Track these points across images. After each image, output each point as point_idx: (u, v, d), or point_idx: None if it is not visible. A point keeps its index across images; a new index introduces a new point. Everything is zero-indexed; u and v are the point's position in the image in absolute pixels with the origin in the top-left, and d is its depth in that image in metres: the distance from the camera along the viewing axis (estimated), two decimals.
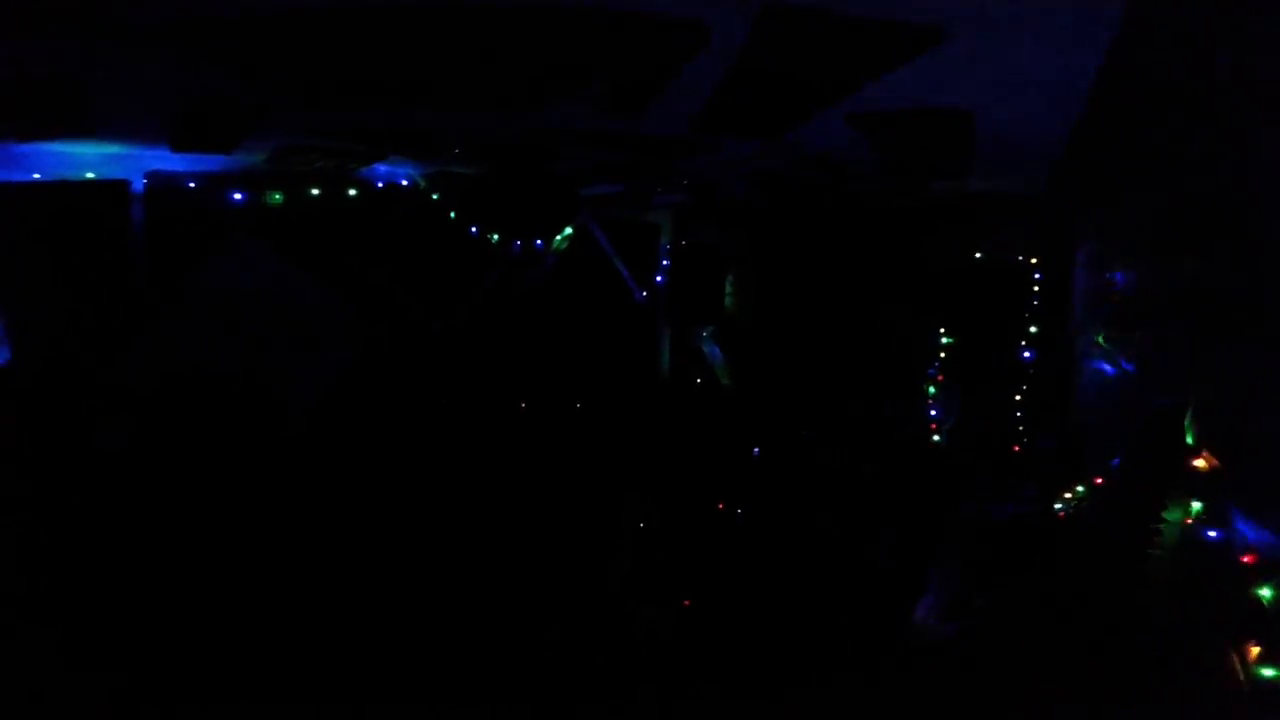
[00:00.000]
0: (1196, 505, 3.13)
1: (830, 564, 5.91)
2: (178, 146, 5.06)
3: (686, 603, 6.17)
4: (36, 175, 5.10)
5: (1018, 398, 6.09)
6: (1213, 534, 2.94)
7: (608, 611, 5.78)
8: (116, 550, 5.12)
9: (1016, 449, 6.10)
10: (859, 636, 5.09)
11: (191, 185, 5.77)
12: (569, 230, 7.58)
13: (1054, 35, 2.64)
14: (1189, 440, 3.31)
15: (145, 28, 2.85)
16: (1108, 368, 4.69)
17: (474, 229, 7.09)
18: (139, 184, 5.59)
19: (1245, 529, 2.79)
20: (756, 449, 7.16)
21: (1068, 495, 4.75)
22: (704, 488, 6.90)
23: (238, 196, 5.94)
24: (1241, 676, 2.49)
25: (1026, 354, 6.08)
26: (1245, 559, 2.69)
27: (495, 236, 7.20)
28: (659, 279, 7.89)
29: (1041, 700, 3.43)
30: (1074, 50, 2.74)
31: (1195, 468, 3.20)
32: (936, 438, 6.61)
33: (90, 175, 5.34)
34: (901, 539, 5.83)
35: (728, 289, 7.87)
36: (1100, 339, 4.81)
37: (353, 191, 6.38)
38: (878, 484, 6.42)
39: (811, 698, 4.49)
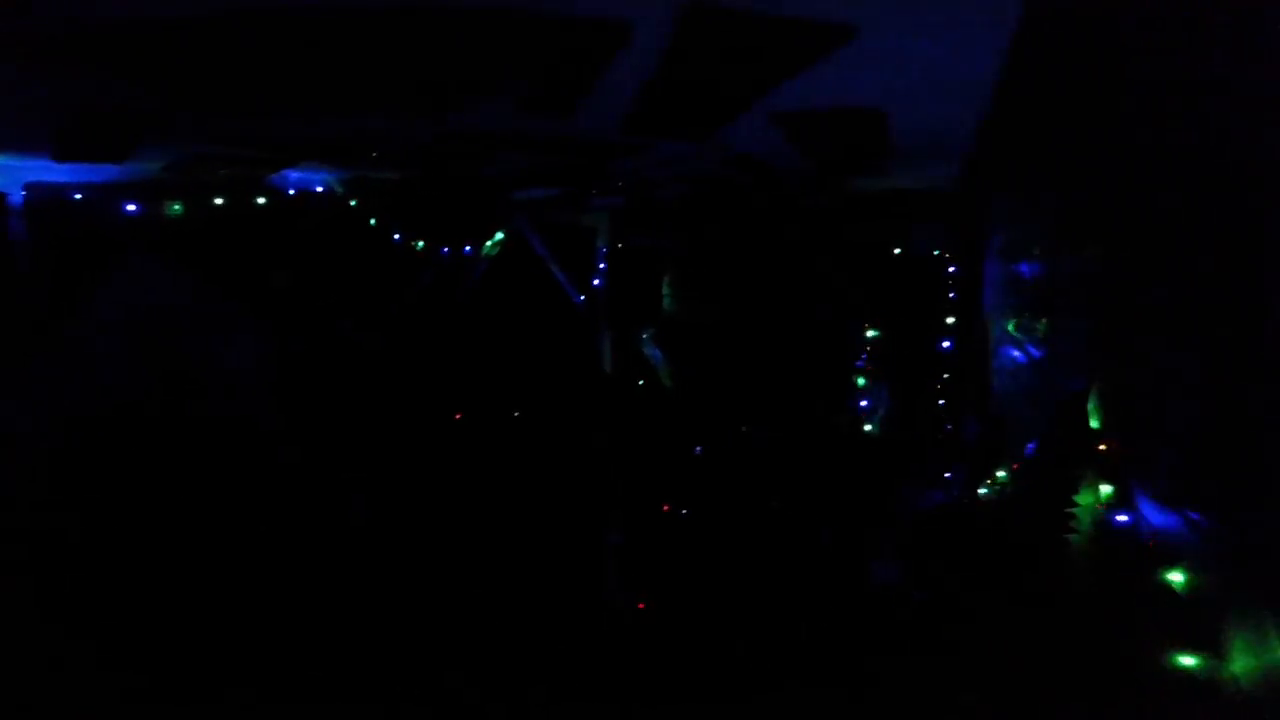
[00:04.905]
0: (1106, 489, 3.24)
1: (775, 557, 5.98)
2: (61, 157, 4.69)
3: (641, 605, 6.15)
4: None
5: (939, 386, 6.28)
6: (1121, 518, 3.04)
7: (553, 619, 5.72)
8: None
9: (940, 436, 6.29)
10: (809, 629, 5.16)
11: (78, 197, 5.38)
12: (500, 235, 7.42)
13: (954, 32, 2.70)
14: (1094, 424, 3.44)
15: (13, 33, 2.61)
16: (1019, 355, 4.86)
17: (397, 236, 6.86)
18: (18, 196, 5.17)
19: (1150, 513, 2.89)
20: (699, 448, 7.19)
21: (990, 481, 4.90)
22: (649, 489, 6.89)
23: (131, 208, 5.56)
24: (1162, 663, 2.57)
25: (945, 344, 6.26)
26: (1152, 543, 2.79)
27: (420, 244, 6.98)
28: (597, 282, 7.81)
29: (972, 690, 3.52)
30: (975, 47, 2.81)
31: (1102, 452, 3.32)
32: (868, 428, 6.76)
33: None
34: (839, 530, 5.94)
35: (665, 290, 7.88)
36: (1011, 327, 4.99)
37: (261, 200, 6.07)
38: (814, 476, 6.53)
39: (767, 694, 4.53)
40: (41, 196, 5.20)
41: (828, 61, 2.97)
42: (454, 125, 4.31)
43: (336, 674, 4.69)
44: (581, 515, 6.57)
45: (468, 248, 7.24)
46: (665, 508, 6.80)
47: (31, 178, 5.16)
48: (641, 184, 6.45)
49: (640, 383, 7.77)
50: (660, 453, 7.16)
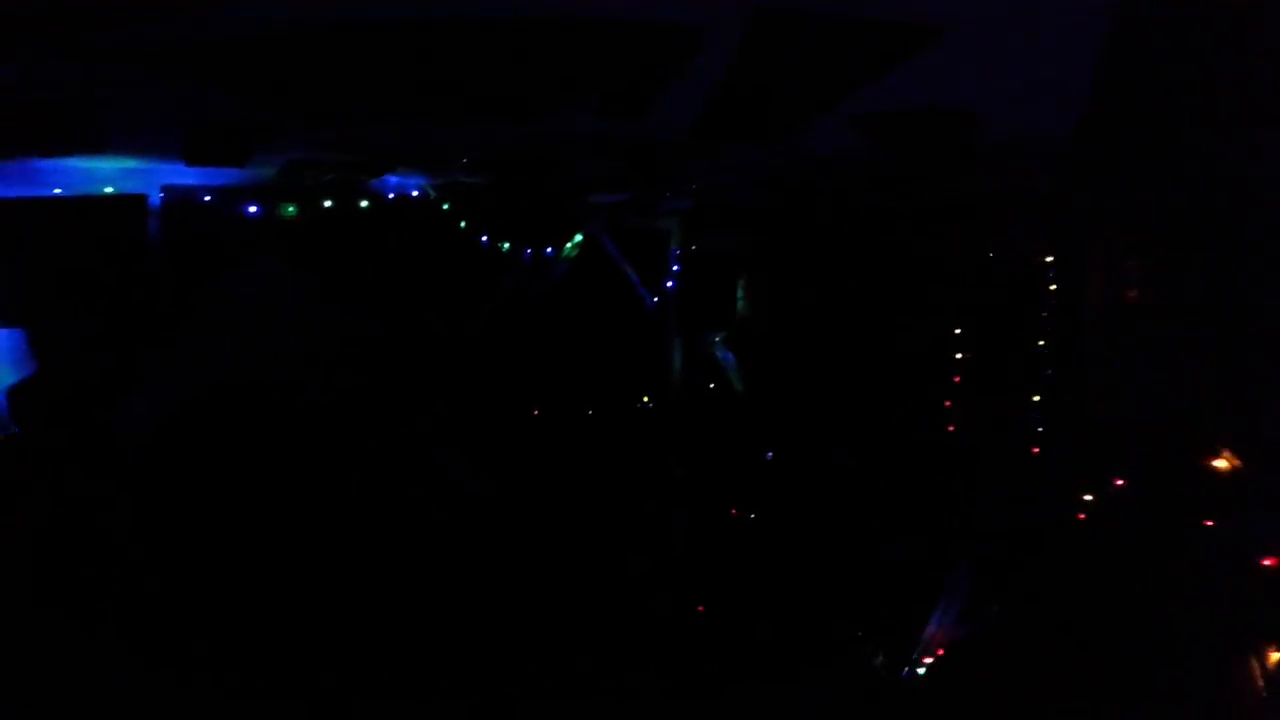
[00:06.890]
0: (1219, 507, 3.05)
1: (844, 567, 5.86)
2: (192, 160, 5.15)
3: (701, 609, 6.15)
4: (58, 190, 5.21)
5: (1035, 399, 5.98)
6: (1233, 536, 2.85)
7: (622, 610, 5.80)
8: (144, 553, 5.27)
9: (1035, 451, 5.98)
10: (874, 637, 5.05)
11: (207, 199, 5.87)
12: (579, 238, 7.61)
13: (1048, 33, 2.62)
14: (1208, 440, 3.23)
15: (150, 49, 2.91)
16: (1122, 366, 4.59)
17: (484, 238, 7.14)
18: (156, 198, 5.69)
19: (1265, 531, 2.70)
20: (770, 453, 7.12)
21: (1087, 498, 4.65)
22: (718, 492, 6.88)
23: (253, 209, 6.03)
24: (1261, 682, 2.41)
25: (1042, 355, 5.96)
26: (1266, 561, 2.61)
27: (506, 245, 7.24)
28: (669, 285, 7.88)
29: (1059, 704, 3.36)
30: (1069, 48, 2.72)
31: (1215, 468, 3.12)
32: (953, 440, 6.50)
33: (109, 190, 5.45)
34: (915, 543, 5.76)
35: (739, 294, 7.84)
36: (1114, 338, 4.72)
37: (364, 203, 6.46)
38: (892, 488, 6.34)
39: (827, 694, 4.47)
40: (176, 197, 5.71)
41: (912, 63, 2.93)
42: (535, 131, 4.46)
43: (396, 657, 4.90)
44: (647, 515, 6.61)
45: (549, 249, 7.46)
46: (733, 512, 6.76)
47: (168, 180, 5.68)
48: (714, 188, 6.47)
49: (711, 385, 7.77)
50: (730, 456, 7.12)
